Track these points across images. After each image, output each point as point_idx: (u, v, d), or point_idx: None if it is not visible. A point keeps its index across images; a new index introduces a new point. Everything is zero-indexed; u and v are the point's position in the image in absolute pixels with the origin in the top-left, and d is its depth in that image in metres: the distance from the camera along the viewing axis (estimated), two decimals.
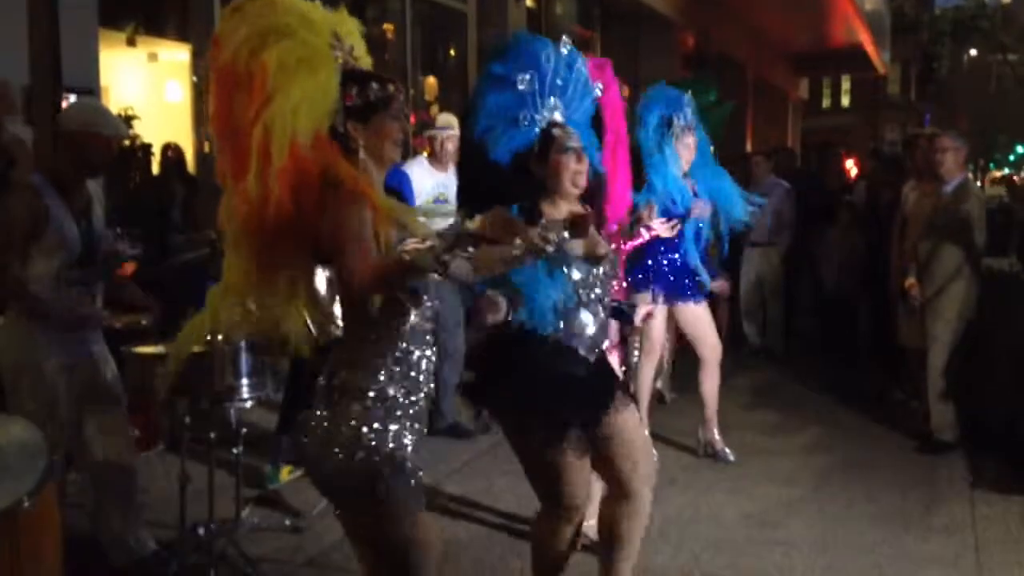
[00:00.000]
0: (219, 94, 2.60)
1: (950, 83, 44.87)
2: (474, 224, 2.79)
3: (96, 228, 4.17)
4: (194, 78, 9.74)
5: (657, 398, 7.00)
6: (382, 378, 2.60)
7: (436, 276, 2.39)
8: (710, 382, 6.07)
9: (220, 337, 4.17)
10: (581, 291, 3.36)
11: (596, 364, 3.50)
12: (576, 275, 3.34)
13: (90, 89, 7.23)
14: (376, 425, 2.57)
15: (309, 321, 2.77)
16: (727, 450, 6.12)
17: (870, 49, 25.55)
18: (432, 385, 2.81)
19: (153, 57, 10.51)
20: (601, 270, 3.40)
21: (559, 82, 3.43)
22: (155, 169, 9.24)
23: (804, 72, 30.91)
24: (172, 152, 9.24)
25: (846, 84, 44.37)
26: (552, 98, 3.41)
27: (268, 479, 5.47)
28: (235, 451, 4.69)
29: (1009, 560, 4.67)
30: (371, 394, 2.59)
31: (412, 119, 6.80)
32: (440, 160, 6.38)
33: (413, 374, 2.67)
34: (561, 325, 3.36)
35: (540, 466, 3.42)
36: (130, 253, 4.59)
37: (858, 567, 4.56)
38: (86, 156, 4.08)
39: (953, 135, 6.44)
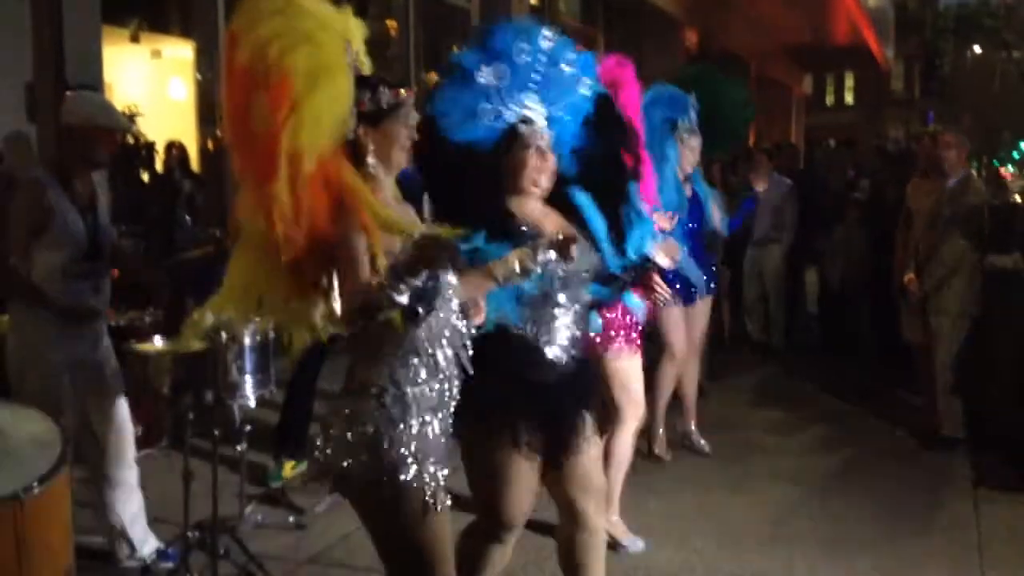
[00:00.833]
0: (236, 94, 2.57)
1: (953, 80, 44.79)
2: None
3: (101, 222, 4.17)
4: (197, 75, 9.75)
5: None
6: (398, 376, 2.60)
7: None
8: (687, 376, 6.14)
9: (224, 334, 4.18)
10: (552, 288, 3.16)
11: (571, 371, 3.24)
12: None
13: (93, 86, 7.22)
14: (393, 423, 2.57)
15: (319, 321, 2.76)
16: (703, 442, 6.13)
17: (874, 46, 25.55)
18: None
19: (156, 54, 10.52)
20: (578, 265, 3.16)
21: (535, 76, 3.22)
22: (159, 166, 9.26)
23: (808, 68, 30.92)
24: (176, 149, 9.25)
25: (850, 81, 44.33)
26: (526, 93, 3.21)
27: (271, 476, 5.48)
28: (239, 448, 4.70)
29: (1012, 559, 4.67)
30: (387, 392, 2.59)
31: None
32: None
33: (433, 371, 2.66)
34: (530, 323, 3.15)
35: (487, 473, 3.19)
36: (130, 250, 4.60)
37: (861, 565, 4.56)
38: (89, 149, 4.08)
39: (956, 132, 6.45)
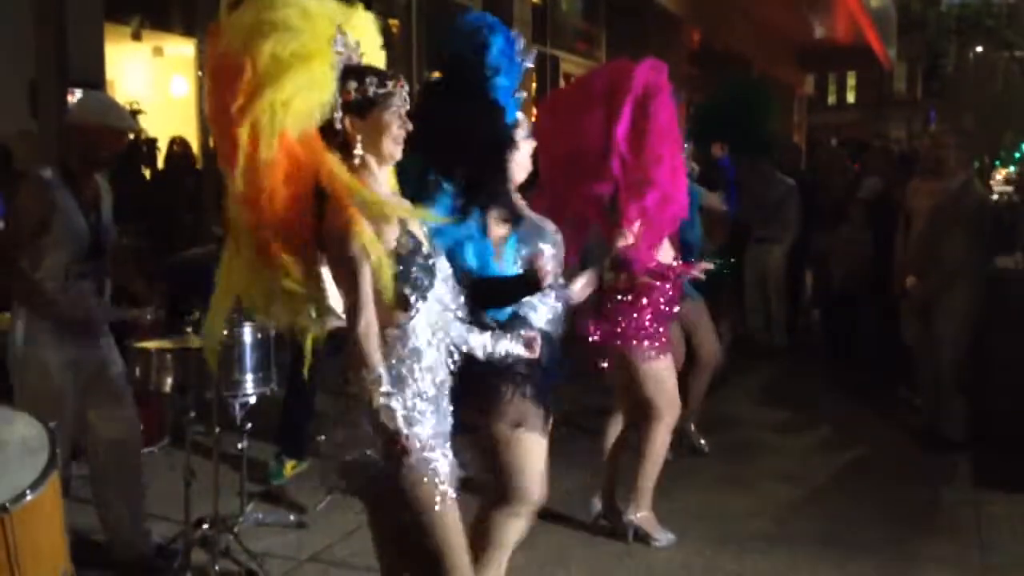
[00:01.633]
0: (214, 85, 2.59)
1: (955, 80, 44.75)
2: None
3: (104, 221, 4.18)
4: (199, 73, 9.75)
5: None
6: (394, 374, 2.60)
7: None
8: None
9: (225, 333, 4.18)
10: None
11: (545, 360, 3.32)
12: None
13: (96, 83, 7.25)
14: (392, 421, 2.57)
15: (312, 314, 2.76)
16: (703, 441, 6.14)
17: (876, 46, 25.51)
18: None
19: (158, 51, 10.53)
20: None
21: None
22: (161, 163, 9.26)
23: (810, 68, 30.88)
24: (178, 147, 9.25)
25: (852, 80, 44.34)
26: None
27: (272, 475, 5.48)
28: (239, 446, 4.70)
29: (1014, 560, 4.66)
30: (387, 388, 2.59)
31: None
32: None
33: (430, 367, 2.66)
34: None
35: (507, 454, 3.34)
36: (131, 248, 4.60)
37: (862, 565, 4.55)
38: (95, 149, 4.08)
39: (956, 132, 6.43)
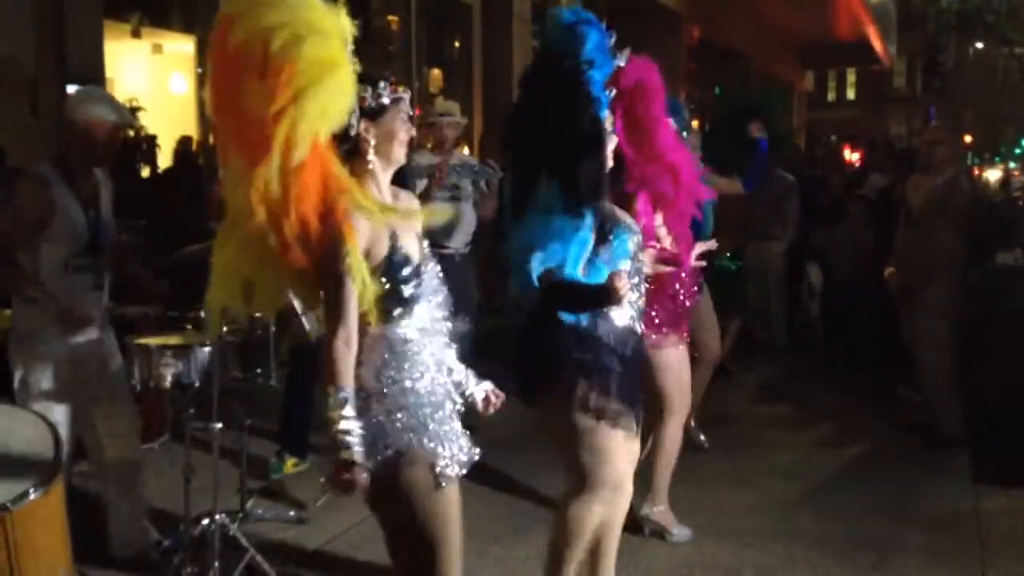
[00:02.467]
0: (225, 75, 2.56)
1: (955, 76, 44.74)
2: None
3: (104, 217, 4.18)
4: (199, 70, 9.75)
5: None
6: (391, 373, 2.61)
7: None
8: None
9: (225, 328, 4.19)
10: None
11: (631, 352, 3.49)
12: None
13: (95, 80, 7.24)
14: (391, 419, 2.57)
15: (303, 312, 2.78)
16: (702, 437, 6.14)
17: (876, 42, 25.50)
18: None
19: (158, 48, 10.53)
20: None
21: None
22: (160, 160, 9.27)
23: (810, 64, 30.85)
24: (181, 144, 9.27)
25: (851, 77, 44.31)
26: None
27: (272, 470, 5.49)
28: (240, 442, 4.70)
29: (1013, 555, 4.67)
30: (381, 390, 2.60)
31: (418, 110, 6.72)
32: (442, 147, 6.25)
33: (425, 366, 2.67)
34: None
35: (591, 444, 3.41)
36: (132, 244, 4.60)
37: (861, 561, 4.56)
38: (91, 144, 4.08)
39: (947, 128, 6.45)
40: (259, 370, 4.41)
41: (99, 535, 4.38)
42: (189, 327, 4.36)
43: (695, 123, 6.77)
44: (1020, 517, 5.13)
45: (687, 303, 4.59)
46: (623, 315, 3.41)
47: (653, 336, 4.42)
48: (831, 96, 44.21)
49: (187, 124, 9.88)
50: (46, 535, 2.85)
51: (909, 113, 42.54)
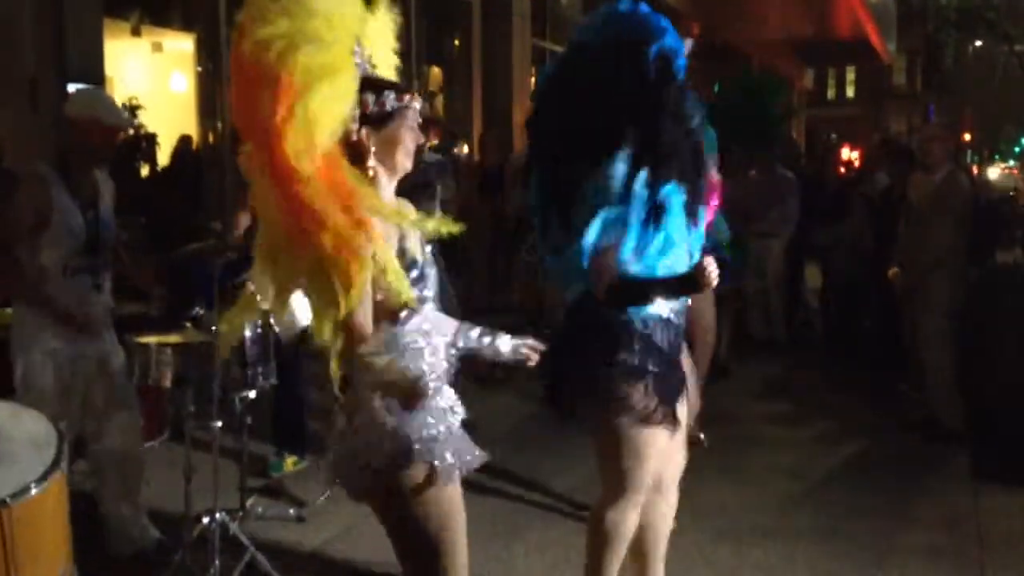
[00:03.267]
0: (238, 84, 2.55)
1: (955, 74, 44.72)
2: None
3: (103, 217, 4.18)
4: (198, 68, 9.76)
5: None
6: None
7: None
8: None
9: (225, 329, 4.19)
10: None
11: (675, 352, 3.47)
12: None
13: (95, 79, 7.24)
14: (391, 418, 2.57)
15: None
16: (702, 435, 6.14)
17: (875, 40, 25.49)
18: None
19: (158, 47, 10.53)
20: None
21: None
22: (160, 159, 9.29)
23: (809, 62, 30.85)
24: (181, 143, 9.28)
25: (851, 75, 44.30)
26: None
27: (272, 468, 5.49)
28: (240, 441, 4.70)
29: (1012, 553, 4.67)
30: (361, 387, 2.60)
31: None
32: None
33: (430, 366, 2.67)
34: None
35: (630, 450, 3.36)
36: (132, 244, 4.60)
37: (861, 558, 4.57)
38: (89, 145, 4.09)
39: (942, 124, 6.48)
40: (260, 368, 4.40)
41: (99, 533, 4.39)
42: (189, 325, 4.36)
43: None
44: (1020, 515, 5.13)
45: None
46: (664, 310, 3.36)
47: None
48: (831, 94, 44.24)
49: (187, 123, 9.88)
50: (46, 532, 2.84)
51: (909, 111, 42.52)
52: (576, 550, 4.58)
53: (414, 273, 2.63)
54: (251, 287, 2.72)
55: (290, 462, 5.54)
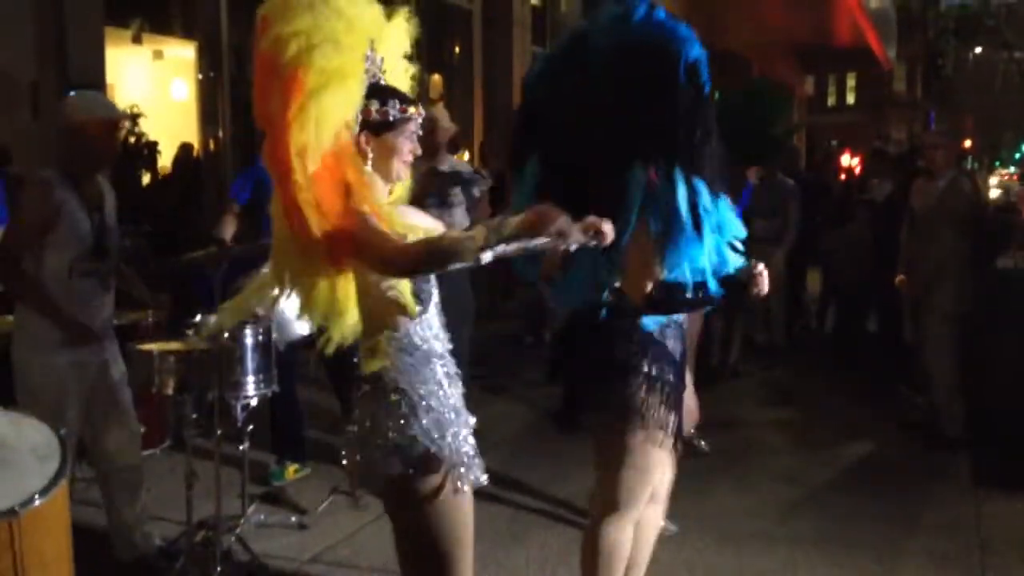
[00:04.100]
0: (258, 79, 2.58)
1: (955, 81, 44.75)
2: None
3: (108, 222, 4.19)
4: (199, 76, 9.76)
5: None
6: (414, 376, 2.61)
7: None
8: None
9: (226, 335, 4.20)
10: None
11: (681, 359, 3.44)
12: None
13: (96, 86, 7.25)
14: (404, 423, 2.57)
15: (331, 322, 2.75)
16: (702, 442, 6.13)
17: (875, 47, 25.52)
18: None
19: (159, 55, 10.54)
20: None
21: None
22: (161, 166, 9.29)
23: (809, 69, 30.88)
24: (182, 150, 9.29)
25: (851, 81, 44.30)
26: None
27: (274, 477, 5.49)
28: (241, 448, 4.70)
29: (1013, 558, 4.67)
30: (393, 394, 2.60)
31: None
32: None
33: (435, 368, 2.67)
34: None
35: (633, 465, 3.31)
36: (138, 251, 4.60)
37: (862, 564, 4.56)
38: (92, 144, 4.08)
39: (944, 132, 6.50)
40: (261, 376, 4.40)
41: (101, 541, 4.39)
42: (190, 333, 4.36)
43: None
44: (1021, 520, 5.13)
45: None
46: (678, 317, 3.36)
47: None
48: (831, 101, 44.21)
49: (188, 130, 9.88)
50: (51, 540, 2.84)
51: (910, 118, 42.51)
52: (576, 557, 4.58)
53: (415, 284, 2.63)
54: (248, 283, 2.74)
55: (291, 470, 5.53)
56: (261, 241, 4.94)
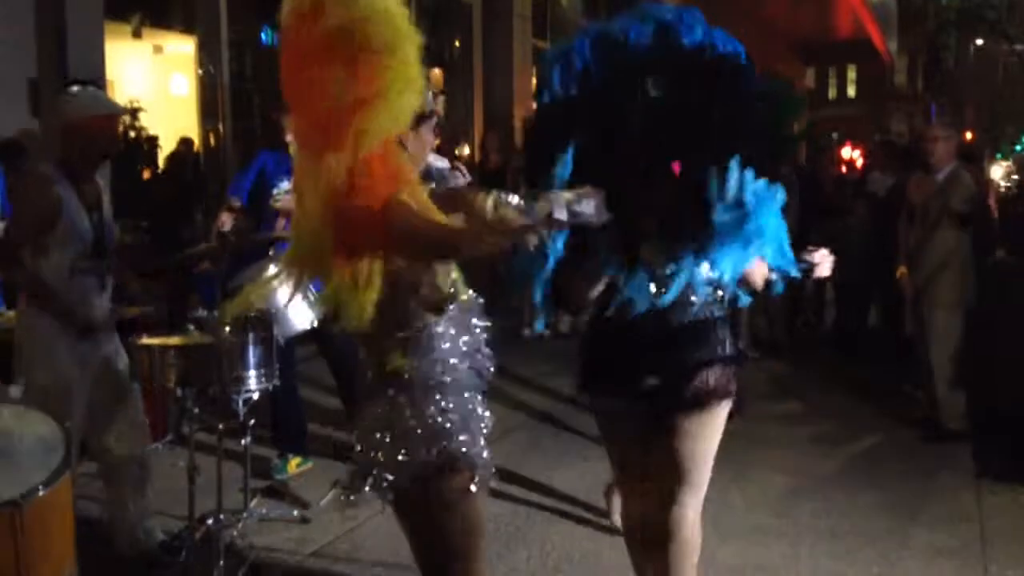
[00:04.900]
0: (307, 60, 2.53)
1: (956, 73, 44.69)
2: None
3: (106, 219, 4.19)
4: (199, 71, 9.76)
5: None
6: (438, 369, 2.61)
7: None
8: None
9: (228, 329, 4.19)
10: None
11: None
12: None
13: (96, 81, 7.25)
14: (421, 412, 2.58)
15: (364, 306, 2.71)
16: None
17: (876, 39, 25.53)
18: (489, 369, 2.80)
19: (158, 49, 10.54)
20: None
21: None
22: (161, 161, 9.30)
23: (810, 62, 30.87)
24: (183, 145, 9.28)
25: (852, 74, 44.29)
26: None
27: (276, 471, 5.49)
28: (243, 442, 4.71)
29: (1015, 550, 4.67)
30: (413, 382, 2.60)
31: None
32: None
33: (455, 361, 2.67)
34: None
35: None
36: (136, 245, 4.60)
37: (864, 557, 4.56)
38: (93, 141, 4.08)
39: (944, 124, 6.49)
40: (262, 370, 4.40)
41: (104, 535, 4.39)
42: (192, 328, 4.36)
43: None
44: (1022, 512, 5.13)
45: None
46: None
47: None
48: (832, 93, 44.20)
49: (188, 125, 9.89)
50: (54, 532, 2.85)
51: (911, 111, 42.46)
52: (579, 551, 4.59)
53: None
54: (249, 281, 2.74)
55: (294, 464, 5.53)
56: (261, 235, 4.95)
